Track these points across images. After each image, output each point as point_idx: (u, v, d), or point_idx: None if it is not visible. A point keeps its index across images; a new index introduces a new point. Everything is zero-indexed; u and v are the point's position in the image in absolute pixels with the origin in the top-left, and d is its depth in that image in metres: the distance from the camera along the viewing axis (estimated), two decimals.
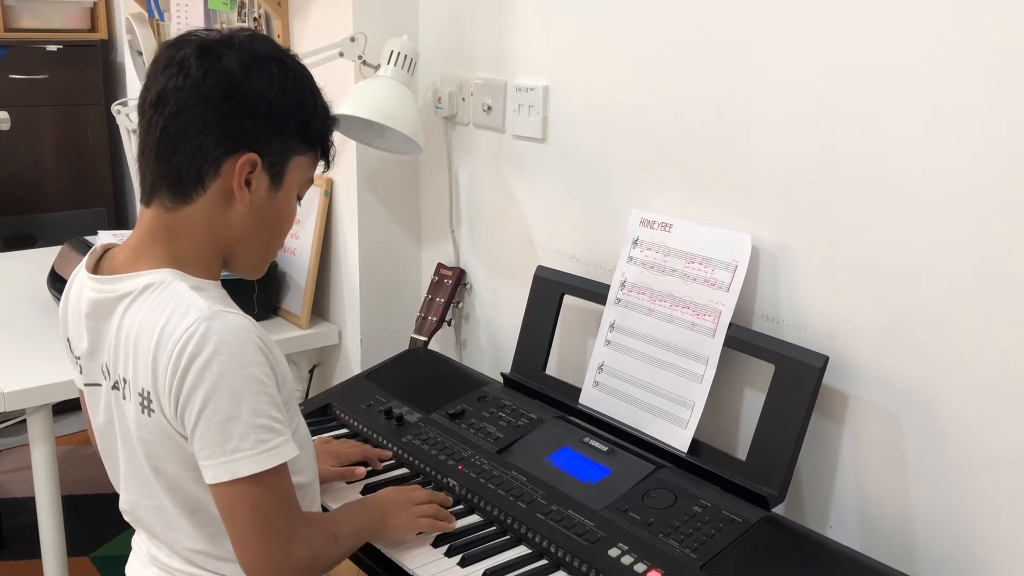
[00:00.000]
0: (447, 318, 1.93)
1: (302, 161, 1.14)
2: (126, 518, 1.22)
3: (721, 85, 1.40)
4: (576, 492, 1.31)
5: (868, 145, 1.23)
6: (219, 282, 1.13)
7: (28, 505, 2.00)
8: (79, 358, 1.16)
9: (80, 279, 1.15)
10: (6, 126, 2.67)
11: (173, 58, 1.06)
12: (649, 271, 1.47)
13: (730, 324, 1.35)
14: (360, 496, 1.37)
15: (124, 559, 1.28)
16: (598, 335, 1.53)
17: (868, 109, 1.22)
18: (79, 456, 3.08)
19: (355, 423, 1.57)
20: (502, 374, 1.67)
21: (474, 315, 1.99)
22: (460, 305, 2.01)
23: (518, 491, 1.32)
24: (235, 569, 1.13)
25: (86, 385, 1.18)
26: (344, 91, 1.79)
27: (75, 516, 2.39)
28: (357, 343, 2.07)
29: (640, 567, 1.15)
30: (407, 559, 1.22)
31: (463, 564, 1.21)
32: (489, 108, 1.82)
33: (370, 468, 1.44)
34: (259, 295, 2.08)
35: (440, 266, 1.98)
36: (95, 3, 3.84)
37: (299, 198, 1.18)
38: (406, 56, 1.79)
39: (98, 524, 2.71)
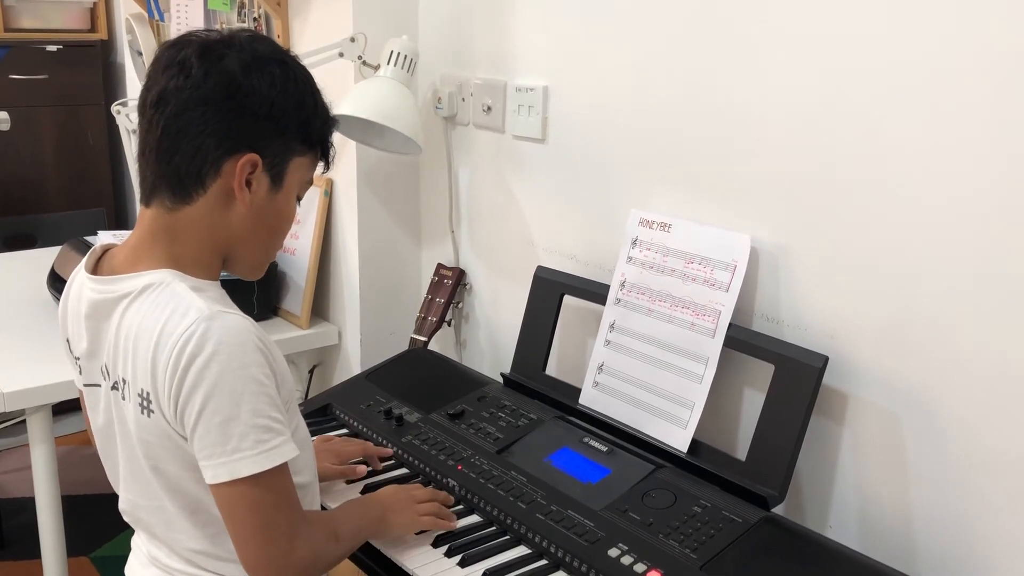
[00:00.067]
0: (447, 318, 1.93)
1: (302, 162, 1.14)
2: (125, 518, 1.22)
3: (721, 85, 1.40)
4: (576, 492, 1.31)
5: (868, 145, 1.23)
6: (219, 283, 1.13)
7: (28, 505, 2.00)
8: (78, 359, 1.16)
9: (79, 280, 1.15)
10: (6, 126, 2.67)
11: (174, 58, 1.06)
12: (649, 271, 1.47)
13: (730, 324, 1.35)
14: (360, 495, 1.37)
15: (124, 559, 1.28)
16: (598, 335, 1.53)
17: (868, 109, 1.22)
18: (79, 456, 3.07)
19: (355, 423, 1.57)
20: (502, 374, 1.67)
21: (474, 315, 1.99)
22: (460, 305, 2.01)
23: (518, 491, 1.32)
24: (235, 569, 1.13)
25: (85, 386, 1.18)
26: (344, 91, 1.79)
27: (75, 516, 2.39)
28: (357, 343, 2.07)
29: (640, 567, 1.15)
30: (407, 559, 1.22)
31: (463, 564, 1.21)
32: (489, 108, 1.82)
33: (370, 468, 1.44)
34: (259, 295, 2.08)
35: (440, 266, 1.98)
36: (95, 3, 3.84)
37: (298, 199, 1.18)
38: (406, 56, 1.79)
39: (98, 524, 2.71)
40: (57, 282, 2.15)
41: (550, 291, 1.64)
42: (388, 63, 1.79)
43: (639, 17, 1.51)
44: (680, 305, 1.42)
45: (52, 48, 3.74)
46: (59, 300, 1.22)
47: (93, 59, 3.85)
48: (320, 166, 1.19)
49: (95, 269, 1.14)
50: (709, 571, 1.14)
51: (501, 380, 1.67)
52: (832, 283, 1.30)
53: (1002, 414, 1.14)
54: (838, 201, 1.27)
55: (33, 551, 1.97)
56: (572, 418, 1.51)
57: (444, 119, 1.95)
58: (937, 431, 1.21)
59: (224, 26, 2.36)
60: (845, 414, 1.31)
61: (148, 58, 2.54)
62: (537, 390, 1.59)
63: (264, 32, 2.22)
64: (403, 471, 1.45)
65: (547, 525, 1.24)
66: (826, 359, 1.26)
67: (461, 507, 1.34)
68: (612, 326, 1.51)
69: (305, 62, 1.16)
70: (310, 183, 1.19)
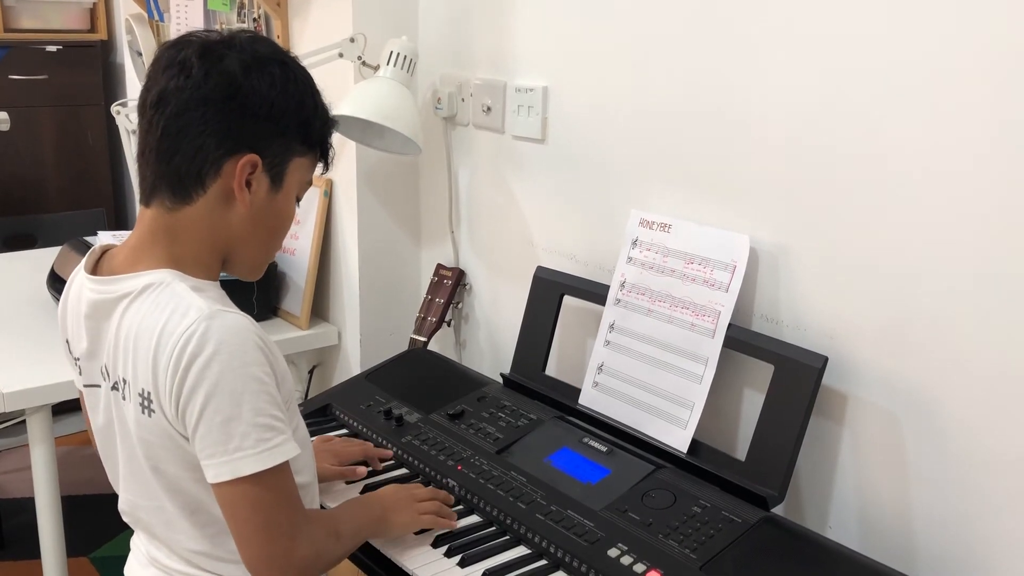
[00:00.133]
0: (447, 319, 1.93)
1: (302, 162, 1.15)
2: (125, 519, 1.22)
3: (721, 85, 1.40)
4: (576, 492, 1.31)
5: (868, 145, 1.23)
6: (218, 283, 1.13)
7: (28, 505, 2.00)
8: (78, 359, 1.16)
9: (79, 280, 1.15)
10: (6, 126, 2.67)
11: (174, 58, 1.06)
12: (648, 272, 1.47)
13: (729, 325, 1.35)
14: (361, 494, 1.37)
15: (124, 559, 1.28)
16: (597, 335, 1.53)
17: (868, 109, 1.22)
18: (79, 456, 3.07)
19: (355, 424, 1.57)
20: (502, 374, 1.67)
21: (474, 316, 1.99)
22: (460, 306, 2.01)
23: (518, 491, 1.32)
24: (235, 570, 1.13)
25: (85, 386, 1.18)
26: (344, 92, 1.79)
27: (75, 516, 2.39)
28: (357, 344, 2.07)
29: (639, 567, 1.15)
30: (407, 559, 1.22)
31: (463, 564, 1.21)
32: (488, 109, 1.82)
33: (370, 468, 1.44)
34: (258, 296, 2.08)
35: (440, 267, 1.98)
36: (95, 4, 3.84)
37: (298, 199, 1.18)
38: (405, 57, 1.79)
39: (98, 524, 2.71)
40: (57, 282, 2.15)
41: (550, 291, 1.64)
42: (388, 63, 1.79)
43: (639, 17, 1.51)
44: (680, 305, 1.42)
45: (52, 48, 3.75)
46: (59, 300, 1.22)
47: (93, 59, 3.85)
48: (320, 167, 1.19)
49: (95, 269, 1.14)
50: (709, 571, 1.14)
51: (501, 380, 1.67)
52: (832, 283, 1.30)
53: (1002, 414, 1.14)
54: (838, 201, 1.27)
55: (33, 551, 1.97)
56: (572, 418, 1.51)
57: (444, 119, 1.95)
58: (937, 431, 1.21)
59: (224, 26, 2.36)
60: (845, 414, 1.31)
61: (148, 58, 2.54)
62: (537, 390, 1.59)
63: (264, 32, 2.22)
64: (403, 471, 1.45)
65: (547, 525, 1.24)
66: (825, 359, 1.26)
67: (461, 507, 1.34)
68: (612, 326, 1.51)
69: (305, 62, 1.17)
70: (309, 183, 1.19)
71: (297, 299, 2.12)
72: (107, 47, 3.94)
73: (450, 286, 1.93)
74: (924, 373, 1.21)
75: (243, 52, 1.07)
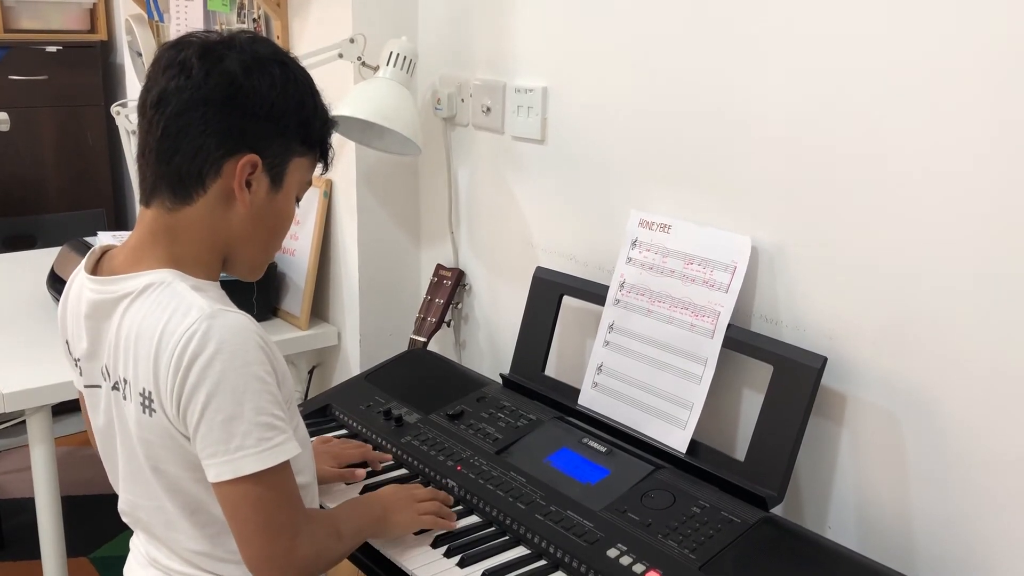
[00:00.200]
0: (446, 319, 1.93)
1: (301, 163, 1.15)
2: (124, 519, 1.22)
3: (720, 85, 1.40)
4: (575, 493, 1.31)
5: (868, 145, 1.23)
6: (219, 283, 1.13)
7: (28, 506, 2.00)
8: (78, 360, 1.17)
9: (79, 280, 1.15)
10: (6, 127, 2.67)
11: (175, 59, 1.06)
12: (648, 272, 1.47)
13: (729, 325, 1.35)
14: (360, 494, 1.37)
15: (124, 560, 1.28)
16: (597, 336, 1.53)
17: (868, 109, 1.22)
18: (79, 457, 3.07)
19: (354, 424, 1.58)
20: (501, 375, 1.67)
21: (473, 316, 2.00)
22: (459, 306, 2.01)
23: (517, 492, 1.32)
24: (235, 570, 1.13)
25: (86, 387, 1.18)
26: (343, 92, 1.79)
27: (75, 517, 2.40)
28: (356, 344, 2.07)
29: (639, 567, 1.15)
30: (406, 559, 1.23)
31: (462, 564, 1.21)
32: (488, 109, 1.82)
33: (369, 469, 1.44)
34: (258, 296, 2.08)
35: (439, 267, 1.98)
36: (95, 4, 3.84)
37: (298, 199, 1.18)
38: (405, 57, 1.79)
39: (98, 525, 2.71)
40: (57, 283, 2.15)
41: (549, 292, 1.64)
42: (387, 64, 1.79)
43: (639, 17, 1.51)
44: (679, 306, 1.42)
45: (52, 49, 3.75)
46: (59, 301, 1.22)
47: (93, 60, 3.85)
48: (319, 167, 1.19)
49: (95, 270, 1.14)
50: (708, 571, 1.14)
51: (500, 381, 1.67)
52: (831, 284, 1.30)
53: (1002, 414, 1.14)
54: (837, 202, 1.27)
55: (33, 552, 1.97)
56: (571, 419, 1.51)
57: (443, 120, 1.95)
58: (937, 431, 1.21)
59: (223, 27, 2.36)
60: (844, 414, 1.31)
61: (148, 59, 2.54)
62: (536, 391, 1.59)
63: (263, 33, 2.22)
64: (402, 472, 1.45)
65: (546, 525, 1.25)
66: (825, 360, 1.26)
67: (460, 508, 1.34)
68: (611, 327, 1.51)
69: (304, 63, 1.17)
70: (309, 184, 1.19)
71: (297, 299, 2.12)
72: (107, 48, 3.95)
73: (450, 286, 1.93)
74: (923, 373, 1.21)
75: (243, 53, 1.07)
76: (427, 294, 1.96)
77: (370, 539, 1.24)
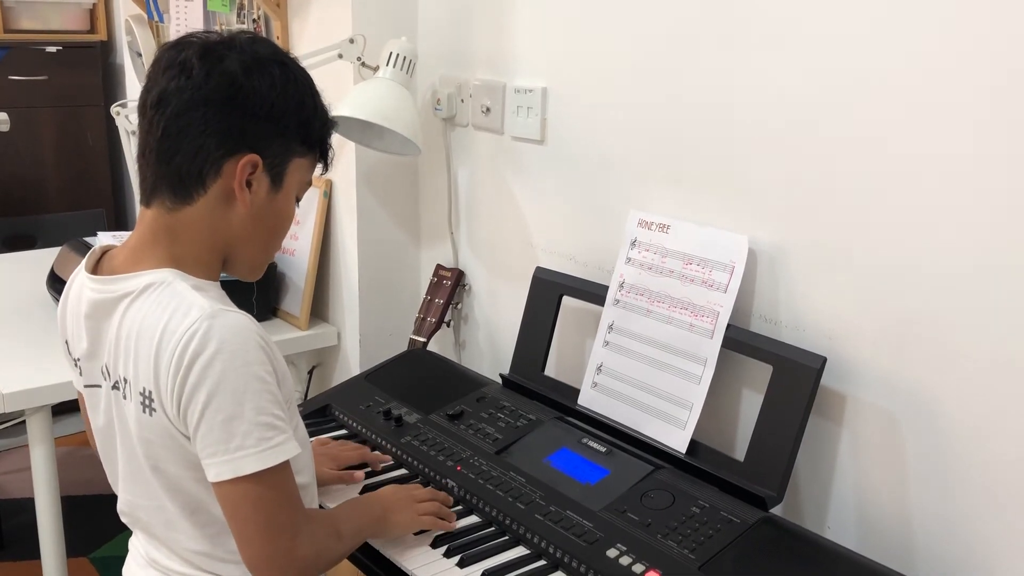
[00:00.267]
0: (446, 319, 1.93)
1: (301, 163, 1.15)
2: (124, 520, 1.22)
3: (719, 86, 1.40)
4: (575, 493, 1.31)
5: (867, 145, 1.23)
6: (219, 283, 1.13)
7: (27, 506, 2.00)
8: (78, 360, 1.17)
9: (80, 280, 1.15)
10: (6, 127, 2.67)
11: (175, 59, 1.07)
12: (647, 272, 1.47)
13: (728, 325, 1.35)
14: (360, 495, 1.37)
15: (123, 560, 1.28)
16: (596, 336, 1.53)
17: (867, 109, 1.22)
18: (78, 457, 3.08)
19: (354, 424, 1.58)
20: (501, 375, 1.67)
21: (473, 316, 2.00)
22: (459, 306, 2.01)
23: (517, 492, 1.32)
24: (235, 570, 1.13)
25: (85, 387, 1.18)
26: (343, 92, 1.79)
27: (74, 517, 2.39)
28: (356, 344, 2.07)
29: (638, 568, 1.15)
30: (406, 559, 1.23)
31: (462, 565, 1.21)
32: (488, 109, 1.83)
33: (369, 469, 1.44)
34: (258, 296, 2.08)
35: (439, 267, 1.98)
36: (94, 4, 3.84)
37: (297, 200, 1.18)
38: (405, 58, 1.79)
39: (97, 525, 2.71)
40: (57, 283, 2.15)
41: (549, 292, 1.64)
42: (387, 64, 1.79)
43: (638, 18, 1.51)
44: (679, 306, 1.42)
45: (52, 49, 3.75)
46: (59, 301, 1.22)
47: (93, 60, 3.86)
48: (319, 167, 1.19)
49: (95, 269, 1.14)
50: (707, 571, 1.14)
51: (500, 381, 1.67)
52: (830, 284, 1.30)
53: (1002, 414, 1.14)
54: (837, 202, 1.28)
55: (33, 552, 1.97)
56: (571, 419, 1.51)
57: (443, 120, 1.95)
58: (937, 431, 1.21)
59: (223, 27, 2.36)
60: (844, 414, 1.31)
61: (147, 59, 2.54)
62: (536, 391, 1.59)
63: (263, 33, 2.22)
64: (402, 472, 1.45)
65: (546, 526, 1.25)
66: (824, 360, 1.26)
67: (460, 508, 1.34)
68: (611, 327, 1.51)
69: (304, 63, 1.17)
70: (309, 184, 1.19)
71: (296, 299, 2.12)
72: (107, 48, 3.95)
73: (449, 287, 1.93)
74: (923, 373, 1.21)
75: (243, 53, 1.08)
76: (427, 294, 1.96)
77: (370, 539, 1.24)
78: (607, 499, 1.29)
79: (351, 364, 2.10)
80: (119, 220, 4.04)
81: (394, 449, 1.48)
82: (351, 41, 1.84)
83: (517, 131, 1.78)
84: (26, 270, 2.42)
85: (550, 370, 1.64)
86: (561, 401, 1.55)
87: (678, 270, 1.43)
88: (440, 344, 2.04)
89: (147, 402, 1.06)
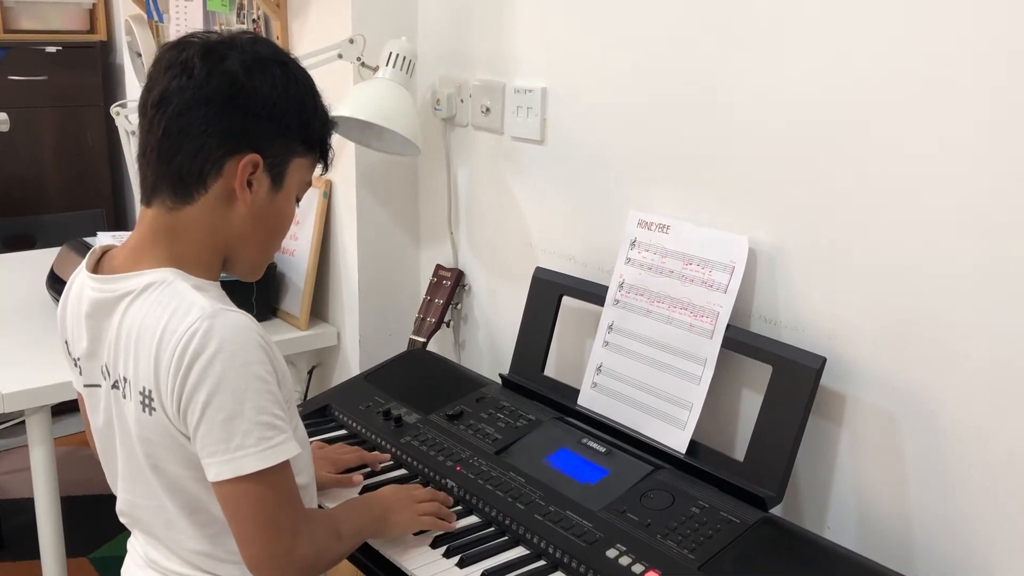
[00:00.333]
0: (446, 319, 1.93)
1: (302, 163, 1.15)
2: (123, 520, 1.22)
3: (719, 86, 1.40)
4: (574, 493, 1.31)
5: (867, 145, 1.23)
6: (219, 283, 1.13)
7: (27, 506, 2.00)
8: (78, 359, 1.17)
9: (80, 279, 1.15)
10: (5, 127, 2.67)
11: (176, 59, 1.07)
12: (647, 272, 1.47)
13: (728, 325, 1.35)
14: (360, 495, 1.37)
15: (123, 560, 1.28)
16: (596, 336, 1.53)
17: (866, 110, 1.22)
18: (78, 457, 3.07)
19: (354, 424, 1.58)
20: (501, 375, 1.67)
21: (473, 316, 2.00)
22: (459, 306, 2.01)
23: (516, 492, 1.32)
24: (234, 570, 1.13)
25: (85, 386, 1.18)
26: (343, 93, 1.79)
27: (74, 517, 2.39)
28: (356, 344, 2.07)
29: (638, 568, 1.15)
30: (406, 559, 1.23)
31: (461, 565, 1.21)
32: (488, 110, 1.83)
33: (368, 469, 1.44)
34: (258, 296, 2.08)
35: (439, 267, 1.98)
36: (94, 5, 3.84)
37: (297, 200, 1.18)
38: (405, 58, 1.80)
39: (97, 525, 2.71)
40: (56, 283, 2.15)
41: (549, 292, 1.64)
42: (387, 64, 1.79)
43: (637, 18, 1.51)
44: (678, 306, 1.42)
45: (52, 49, 3.75)
46: (58, 301, 1.22)
47: (92, 60, 3.86)
48: (319, 167, 1.20)
49: (95, 269, 1.14)
50: (707, 572, 1.14)
51: (500, 381, 1.67)
52: (830, 284, 1.30)
53: (1002, 414, 1.14)
54: (836, 202, 1.28)
55: (32, 552, 1.97)
56: (571, 419, 1.51)
57: (443, 120, 1.95)
58: (936, 431, 1.21)
59: (223, 27, 2.36)
60: (843, 415, 1.31)
61: (147, 59, 2.54)
62: (536, 391, 1.59)
63: (263, 33, 2.22)
64: (402, 472, 1.45)
65: (545, 526, 1.25)
66: (824, 360, 1.26)
67: (460, 508, 1.34)
68: (611, 327, 1.51)
69: (304, 63, 1.17)
70: (309, 184, 1.19)
71: (296, 300, 2.12)
72: (107, 48, 3.95)
73: (449, 287, 1.93)
74: (923, 373, 1.21)
75: (244, 53, 1.08)
76: (427, 294, 1.96)
77: (370, 539, 1.24)
78: (607, 499, 1.29)
79: (351, 364, 2.10)
80: (119, 220, 4.04)
81: (394, 449, 1.48)
82: (351, 41, 1.84)
83: (517, 131, 1.78)
84: (26, 270, 2.42)
85: (550, 370, 1.64)
86: (561, 401, 1.55)
87: (678, 270, 1.43)
88: (440, 344, 2.04)
89: (147, 401, 1.06)
